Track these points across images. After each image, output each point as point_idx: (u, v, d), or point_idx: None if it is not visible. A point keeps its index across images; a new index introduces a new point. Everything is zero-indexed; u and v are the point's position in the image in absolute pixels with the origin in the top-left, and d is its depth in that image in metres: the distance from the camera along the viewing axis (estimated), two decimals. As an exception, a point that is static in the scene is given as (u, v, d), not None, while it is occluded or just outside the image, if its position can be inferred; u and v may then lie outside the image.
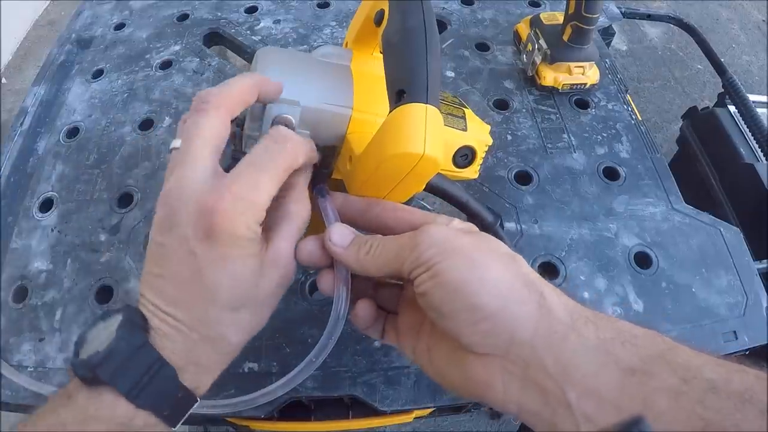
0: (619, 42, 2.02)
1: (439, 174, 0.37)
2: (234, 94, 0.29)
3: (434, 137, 0.29)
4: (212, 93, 0.29)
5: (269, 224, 0.30)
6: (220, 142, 0.29)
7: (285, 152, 0.29)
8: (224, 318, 0.28)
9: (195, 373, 0.28)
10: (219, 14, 0.73)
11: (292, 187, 0.32)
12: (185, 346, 0.27)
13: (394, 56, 0.32)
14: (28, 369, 0.43)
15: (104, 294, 0.47)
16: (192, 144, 0.28)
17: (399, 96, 0.30)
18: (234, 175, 0.27)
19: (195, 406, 0.29)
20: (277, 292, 0.30)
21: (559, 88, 0.61)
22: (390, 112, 0.30)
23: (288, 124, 0.32)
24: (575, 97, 0.62)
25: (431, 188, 0.39)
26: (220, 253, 0.27)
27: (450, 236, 0.28)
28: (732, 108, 0.91)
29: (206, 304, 0.27)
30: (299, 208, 0.31)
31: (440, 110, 0.31)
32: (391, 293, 0.35)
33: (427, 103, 0.29)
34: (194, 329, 0.27)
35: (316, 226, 0.33)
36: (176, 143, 0.29)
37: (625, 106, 0.61)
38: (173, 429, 0.28)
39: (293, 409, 0.43)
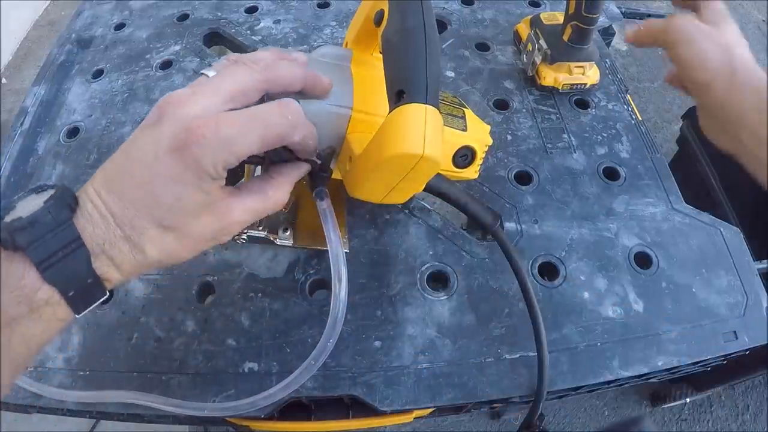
0: (619, 42, 2.02)
1: (438, 174, 0.37)
2: (281, 76, 0.31)
3: (434, 137, 0.29)
4: (266, 59, 0.30)
5: (244, 186, 0.31)
6: (244, 99, 0.29)
7: (285, 123, 0.29)
8: (150, 231, 0.28)
9: (107, 265, 0.28)
10: (219, 14, 0.72)
11: (280, 174, 0.33)
12: (106, 236, 0.27)
13: (393, 56, 0.32)
14: (28, 369, 0.43)
15: (104, 294, 0.47)
16: (222, 82, 0.29)
17: (399, 96, 0.30)
18: (231, 117, 0.28)
19: (194, 408, 0.29)
20: (207, 241, 0.31)
21: (560, 88, 0.61)
22: (390, 112, 0.30)
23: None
24: (575, 97, 0.62)
25: (431, 188, 0.39)
26: (178, 172, 0.27)
27: None
28: (732, 108, 0.90)
29: (141, 210, 0.27)
30: (275, 193, 0.32)
31: (440, 110, 0.31)
32: None
33: (426, 103, 0.30)
34: (120, 226, 0.27)
35: (314, 226, 0.33)
36: (209, 72, 0.30)
37: (625, 106, 0.61)
38: (76, 315, 0.28)
39: (293, 409, 0.43)
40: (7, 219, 0.26)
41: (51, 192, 0.27)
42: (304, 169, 0.34)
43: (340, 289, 0.33)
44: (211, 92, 0.29)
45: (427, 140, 0.29)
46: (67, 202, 0.27)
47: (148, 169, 0.27)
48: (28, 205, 0.27)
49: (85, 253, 0.27)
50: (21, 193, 0.28)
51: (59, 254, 0.26)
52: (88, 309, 0.29)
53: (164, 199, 0.28)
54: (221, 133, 0.27)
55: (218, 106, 0.29)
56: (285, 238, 0.46)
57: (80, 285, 0.27)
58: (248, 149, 0.28)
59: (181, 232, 0.29)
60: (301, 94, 0.33)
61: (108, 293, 0.29)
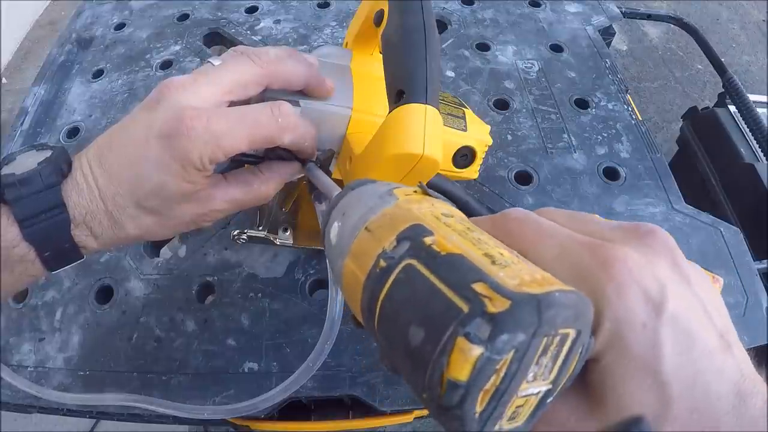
0: (619, 42, 2.02)
1: (438, 174, 0.37)
2: (283, 72, 0.31)
3: (433, 137, 0.29)
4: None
5: (230, 176, 0.32)
6: (243, 91, 0.30)
7: (273, 125, 0.29)
8: (130, 209, 0.29)
9: (85, 234, 0.29)
10: (219, 14, 0.72)
11: (269, 170, 0.33)
12: (89, 207, 0.28)
13: (393, 56, 0.32)
14: (28, 369, 0.43)
15: (104, 294, 0.47)
16: (224, 72, 0.29)
17: (398, 96, 0.30)
18: (222, 113, 0.28)
19: (193, 411, 0.29)
20: (186, 224, 0.31)
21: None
22: (389, 112, 0.30)
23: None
24: (575, 97, 0.62)
25: (431, 188, 0.39)
26: (165, 160, 0.27)
27: None
28: (732, 108, 0.91)
29: (125, 188, 0.28)
30: (259, 186, 0.32)
31: (440, 110, 0.31)
32: None
33: (426, 103, 0.29)
34: (104, 200, 0.28)
35: (314, 227, 0.33)
36: (215, 61, 0.31)
37: (625, 106, 0.61)
38: (49, 272, 0.29)
39: (293, 409, 0.43)
40: (4, 171, 0.27)
41: (48, 153, 0.28)
42: (294, 168, 0.34)
43: (337, 291, 0.33)
44: (212, 82, 0.29)
45: (427, 140, 0.29)
46: (59, 167, 0.28)
47: (138, 150, 0.28)
48: (26, 162, 0.28)
49: (66, 219, 0.27)
50: (24, 147, 0.28)
51: (42, 216, 0.27)
52: (61, 269, 0.29)
53: (148, 183, 0.28)
54: (211, 127, 0.27)
55: (217, 96, 0.29)
56: (285, 239, 0.46)
57: (57, 248, 0.28)
58: (236, 147, 0.29)
59: (161, 215, 0.30)
60: (302, 94, 0.33)
61: (84, 257, 0.30)
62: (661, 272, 0.17)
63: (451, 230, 0.17)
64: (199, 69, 0.30)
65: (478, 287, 0.14)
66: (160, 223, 0.30)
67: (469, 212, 0.42)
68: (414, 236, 0.16)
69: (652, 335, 0.16)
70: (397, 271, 0.16)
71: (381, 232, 0.18)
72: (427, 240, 0.16)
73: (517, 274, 0.14)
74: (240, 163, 0.35)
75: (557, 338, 0.14)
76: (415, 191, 0.21)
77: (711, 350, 0.17)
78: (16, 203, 0.26)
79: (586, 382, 0.18)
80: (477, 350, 0.13)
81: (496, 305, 0.13)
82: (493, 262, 0.15)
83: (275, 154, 0.32)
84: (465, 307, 0.14)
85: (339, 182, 0.37)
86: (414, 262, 0.16)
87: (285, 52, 0.32)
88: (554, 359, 0.15)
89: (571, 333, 0.15)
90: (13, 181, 0.26)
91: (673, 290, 0.17)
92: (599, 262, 0.17)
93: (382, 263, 0.16)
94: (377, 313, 0.16)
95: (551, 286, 0.14)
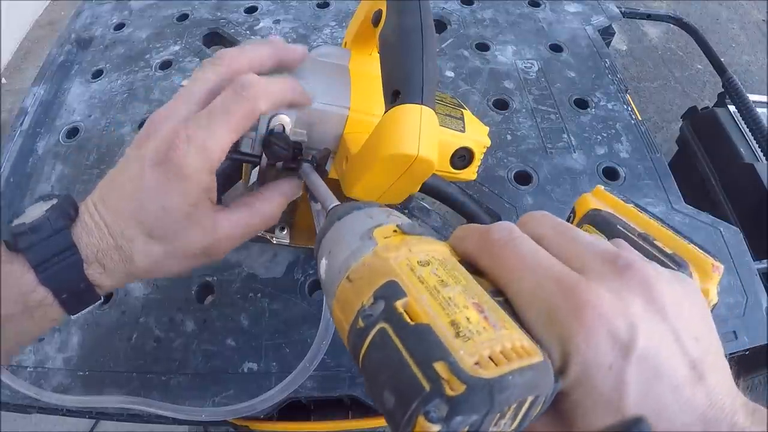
0: (619, 42, 2.02)
1: (435, 175, 0.37)
2: (244, 64, 0.31)
3: (429, 138, 0.29)
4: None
5: (233, 203, 0.32)
6: (214, 97, 0.30)
7: (242, 101, 0.29)
8: (139, 240, 0.29)
9: (99, 272, 0.29)
10: (219, 14, 0.72)
11: (268, 189, 0.34)
12: (99, 245, 0.29)
13: (390, 56, 0.32)
14: (28, 369, 0.43)
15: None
16: (192, 88, 0.30)
17: (394, 96, 0.30)
18: (195, 120, 0.29)
19: (191, 413, 0.29)
20: (195, 256, 0.31)
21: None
22: (385, 112, 0.30)
23: (284, 124, 0.33)
24: (575, 97, 0.62)
25: (428, 189, 0.39)
26: (163, 182, 0.29)
27: None
28: (732, 108, 0.90)
29: (131, 220, 0.29)
30: (262, 205, 0.33)
31: (437, 111, 0.30)
32: None
33: (422, 103, 0.29)
34: (112, 235, 0.29)
35: (311, 226, 0.33)
36: (185, 81, 0.31)
37: (625, 106, 0.61)
38: (71, 317, 0.30)
39: (293, 409, 0.43)
40: (15, 222, 0.29)
41: (54, 201, 0.29)
42: (294, 184, 0.34)
43: None
44: (186, 100, 0.30)
45: (422, 141, 0.29)
46: (66, 212, 0.29)
47: (137, 183, 0.29)
48: (34, 212, 0.29)
49: (79, 259, 0.28)
50: (35, 200, 0.29)
51: (55, 259, 0.28)
52: (82, 312, 0.30)
53: (152, 209, 0.29)
54: (193, 137, 0.28)
55: (193, 111, 0.30)
56: (282, 237, 0.46)
57: (73, 289, 0.29)
58: (223, 144, 0.29)
59: (169, 243, 0.30)
60: (277, 71, 0.33)
61: (101, 298, 0.31)
62: (633, 311, 0.18)
63: (423, 288, 0.18)
64: (175, 94, 0.31)
65: (439, 367, 0.16)
66: (168, 252, 0.30)
67: (466, 214, 0.42)
68: (388, 296, 0.18)
69: (618, 375, 0.17)
70: (373, 333, 0.17)
71: (360, 284, 0.19)
72: (399, 305, 0.18)
73: (477, 350, 0.16)
74: (239, 162, 0.35)
75: (514, 405, 0.16)
76: (395, 231, 0.22)
77: (678, 384, 0.18)
78: (29, 250, 0.28)
79: (557, 408, 0.18)
80: (435, 428, 0.15)
81: (454, 388, 0.15)
82: (457, 334, 0.16)
83: (271, 152, 0.32)
84: (427, 386, 0.15)
85: (336, 182, 0.37)
86: (387, 327, 0.17)
87: (244, 45, 0.33)
88: (513, 418, 0.16)
89: (529, 399, 0.16)
90: (24, 229, 0.28)
91: (644, 328, 0.18)
92: (571, 308, 0.18)
93: (361, 323, 0.18)
94: (360, 364, 0.18)
95: (509, 364, 0.16)
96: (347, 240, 0.22)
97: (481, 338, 0.16)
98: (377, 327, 0.17)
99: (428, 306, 0.17)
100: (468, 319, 0.17)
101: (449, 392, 0.15)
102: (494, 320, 0.17)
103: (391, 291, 0.18)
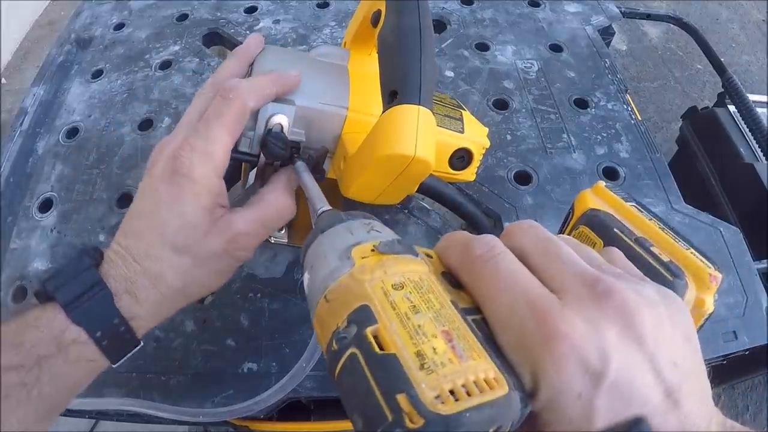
0: (619, 42, 2.02)
1: (433, 176, 0.37)
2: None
3: (426, 139, 0.29)
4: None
5: (244, 204, 0.33)
6: (237, 132, 0.32)
7: (230, 103, 0.31)
8: (166, 256, 0.30)
9: (130, 302, 0.29)
10: (218, 14, 0.72)
11: (272, 181, 0.35)
12: (126, 273, 0.29)
13: (388, 57, 0.32)
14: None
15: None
16: (191, 112, 0.33)
17: (392, 97, 0.30)
18: (191, 129, 0.31)
19: (189, 414, 0.29)
20: (219, 257, 0.32)
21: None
22: (383, 112, 0.30)
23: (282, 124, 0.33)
24: (574, 97, 0.62)
25: (425, 190, 0.39)
26: (176, 192, 0.30)
27: None
28: (732, 108, 0.90)
29: (154, 238, 0.30)
30: (274, 197, 0.34)
31: (435, 111, 0.30)
32: None
33: (419, 104, 0.29)
34: (138, 260, 0.30)
35: (306, 226, 0.33)
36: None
37: (625, 106, 0.61)
38: (113, 365, 0.30)
39: (293, 409, 0.43)
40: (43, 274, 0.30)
41: (77, 249, 0.31)
42: (289, 171, 0.35)
43: None
44: (183, 125, 0.33)
45: (419, 142, 0.29)
46: (89, 253, 0.30)
47: (152, 200, 0.31)
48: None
49: (108, 293, 0.29)
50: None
51: (84, 297, 0.28)
52: (124, 357, 0.30)
53: (170, 219, 0.30)
54: (194, 146, 0.30)
55: (192, 131, 0.32)
56: (279, 237, 0.46)
57: (106, 325, 0.29)
58: (223, 146, 0.31)
59: (194, 252, 0.31)
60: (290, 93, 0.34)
61: (140, 341, 0.30)
62: (607, 340, 0.18)
63: (394, 315, 0.18)
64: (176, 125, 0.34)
65: (401, 399, 0.16)
66: (195, 262, 0.31)
67: (464, 216, 0.42)
68: (360, 321, 0.18)
69: (587, 403, 0.17)
70: (345, 357, 0.18)
71: (336, 306, 0.20)
72: (369, 333, 0.18)
73: (439, 383, 0.16)
74: (238, 162, 0.35)
75: None
76: (373, 250, 0.22)
77: (649, 412, 0.18)
78: (57, 292, 0.28)
79: (530, 423, 0.19)
80: None
81: (414, 421, 0.16)
82: (422, 366, 0.17)
83: (269, 151, 0.32)
84: (390, 417, 0.16)
85: (334, 182, 0.37)
86: (358, 353, 0.18)
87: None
88: None
89: (491, 430, 0.16)
90: (50, 275, 0.29)
91: (617, 358, 0.18)
92: (543, 336, 0.18)
93: (335, 345, 0.19)
94: (335, 382, 0.19)
95: (468, 400, 0.16)
96: (328, 258, 0.22)
97: (444, 371, 0.17)
98: (349, 351, 0.18)
99: (397, 335, 0.18)
100: (434, 349, 0.17)
101: (409, 425, 0.16)
102: (462, 350, 0.17)
103: (363, 316, 0.19)
